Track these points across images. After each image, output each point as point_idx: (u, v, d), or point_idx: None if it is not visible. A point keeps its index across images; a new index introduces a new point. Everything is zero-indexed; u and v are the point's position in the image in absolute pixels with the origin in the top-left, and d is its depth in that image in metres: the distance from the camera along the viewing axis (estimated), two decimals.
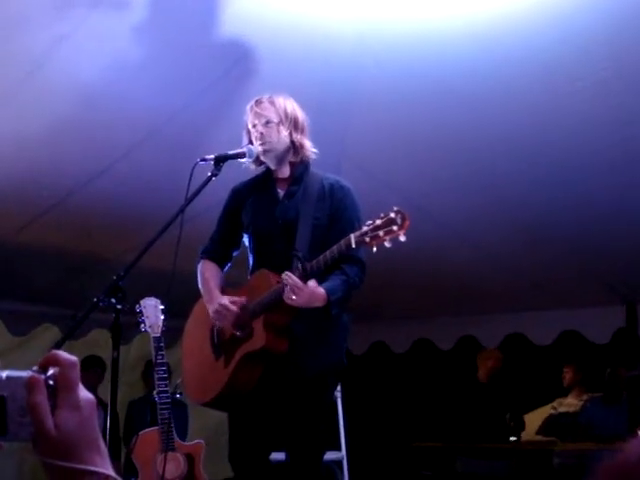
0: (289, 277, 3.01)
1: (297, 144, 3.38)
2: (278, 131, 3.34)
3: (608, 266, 6.06)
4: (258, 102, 3.39)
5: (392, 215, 2.87)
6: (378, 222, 2.89)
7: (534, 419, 7.12)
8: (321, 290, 3.08)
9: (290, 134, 3.36)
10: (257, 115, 3.36)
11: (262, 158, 3.39)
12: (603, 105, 4.12)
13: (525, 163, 4.74)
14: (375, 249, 2.90)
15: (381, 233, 2.86)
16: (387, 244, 2.87)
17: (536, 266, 6.13)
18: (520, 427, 7.07)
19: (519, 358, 7.75)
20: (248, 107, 3.41)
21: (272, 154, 3.37)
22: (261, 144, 3.33)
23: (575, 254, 5.84)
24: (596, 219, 5.28)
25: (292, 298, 3.02)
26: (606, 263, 5.99)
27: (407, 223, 2.85)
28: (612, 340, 6.88)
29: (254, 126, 3.36)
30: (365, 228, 2.91)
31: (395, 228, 2.85)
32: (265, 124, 3.34)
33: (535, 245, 5.78)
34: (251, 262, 3.49)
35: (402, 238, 2.85)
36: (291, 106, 3.40)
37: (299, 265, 3.05)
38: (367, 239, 2.89)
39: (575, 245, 5.69)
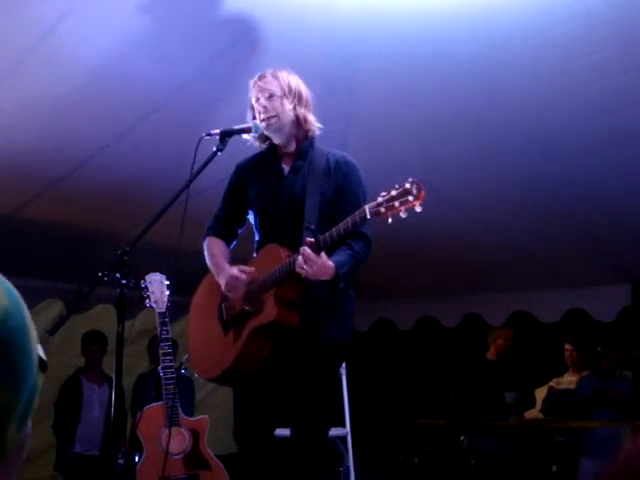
0: (304, 249, 3.00)
1: (301, 118, 3.35)
2: (282, 104, 3.31)
3: (615, 245, 6.04)
4: (261, 77, 3.35)
5: (407, 185, 2.84)
6: (393, 193, 2.85)
7: (540, 397, 7.13)
8: (330, 263, 3.06)
9: (294, 108, 3.32)
10: (260, 89, 3.32)
11: (266, 132, 3.36)
12: (609, 83, 4.08)
13: (532, 140, 4.71)
14: (390, 220, 2.87)
15: (397, 204, 2.83)
16: (402, 215, 2.84)
17: (542, 244, 6.11)
18: (531, 404, 7.09)
19: (525, 336, 7.75)
20: (251, 82, 3.37)
21: (275, 127, 3.33)
22: (264, 118, 3.30)
23: (582, 233, 5.82)
24: (603, 197, 5.26)
25: (304, 268, 3.01)
26: (613, 242, 5.97)
27: (423, 193, 2.82)
28: (618, 319, 6.87)
29: (257, 100, 3.33)
30: (380, 199, 2.87)
31: (411, 198, 2.81)
32: (268, 97, 3.31)
33: (542, 223, 5.76)
34: (257, 238, 3.47)
35: (418, 209, 2.82)
36: (295, 80, 3.37)
37: (312, 237, 3.03)
38: (382, 210, 2.85)
39: (582, 224, 5.67)
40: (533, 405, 7.11)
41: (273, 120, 3.31)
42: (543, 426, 6.84)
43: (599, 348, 6.61)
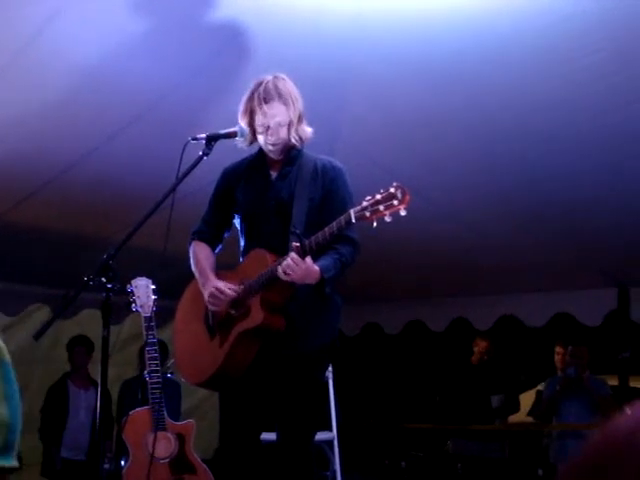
0: (292, 254, 3.02)
1: (300, 137, 3.35)
2: (288, 131, 3.31)
3: (601, 249, 6.07)
4: (267, 98, 3.28)
5: (392, 190, 2.88)
6: (378, 197, 2.88)
7: (526, 400, 7.15)
8: (315, 268, 3.08)
9: (297, 129, 3.33)
10: (269, 116, 3.28)
11: (267, 151, 3.36)
12: (601, 86, 4.10)
13: (521, 145, 4.72)
14: (375, 224, 2.90)
15: (381, 207, 2.86)
16: (387, 219, 2.87)
17: (529, 248, 6.13)
18: (515, 408, 7.10)
19: (511, 340, 7.78)
20: (256, 99, 3.29)
21: (279, 148, 3.35)
22: (272, 145, 3.31)
23: (568, 237, 5.84)
24: (590, 201, 5.27)
25: (288, 273, 3.02)
26: (599, 246, 5.99)
27: (407, 198, 2.86)
28: (604, 322, 6.90)
29: (266, 128, 3.28)
30: (365, 203, 2.90)
31: (396, 203, 2.85)
32: (277, 126, 3.28)
33: (528, 228, 5.78)
34: (242, 243, 3.47)
35: (403, 212, 2.86)
36: (294, 93, 3.33)
37: (297, 242, 3.04)
38: (367, 214, 2.88)
39: (568, 228, 5.69)
40: (518, 409, 7.13)
41: (280, 147, 3.34)
42: (529, 430, 6.87)
43: (570, 347, 6.65)
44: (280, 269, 3.05)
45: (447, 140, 4.77)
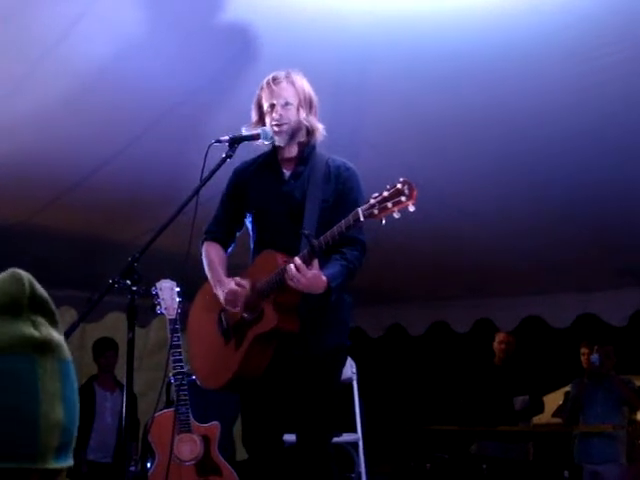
0: (295, 260, 3.01)
1: (312, 127, 3.34)
2: (297, 113, 3.29)
3: (626, 249, 6.03)
4: (276, 80, 3.31)
5: (399, 186, 2.83)
6: (385, 194, 2.85)
7: (550, 402, 7.11)
8: (323, 278, 3.06)
9: (307, 116, 3.32)
10: (277, 95, 3.29)
11: (276, 138, 3.34)
12: (617, 86, 4.08)
13: (542, 145, 4.71)
14: (384, 221, 2.87)
15: (389, 204, 2.83)
16: (396, 215, 2.84)
17: (553, 249, 6.10)
18: (539, 409, 7.06)
19: (536, 341, 7.73)
20: (264, 82, 3.32)
21: (286, 134, 3.32)
22: (277, 125, 3.28)
23: (593, 236, 5.81)
24: (614, 201, 5.25)
25: (293, 281, 3.02)
26: (624, 246, 5.96)
27: (415, 193, 2.81)
28: (630, 322, 6.85)
29: (272, 106, 3.30)
30: (372, 201, 2.87)
31: (403, 199, 2.81)
32: (284, 105, 3.29)
33: (552, 228, 5.75)
34: (253, 243, 3.46)
35: (411, 208, 2.82)
36: (307, 86, 3.34)
37: (307, 243, 3.03)
38: (375, 211, 2.85)
39: (593, 227, 5.66)
40: (542, 411, 7.08)
41: (286, 127, 3.29)
42: (555, 431, 6.83)
43: (595, 347, 6.60)
44: (286, 277, 3.04)
45: (468, 140, 4.75)
